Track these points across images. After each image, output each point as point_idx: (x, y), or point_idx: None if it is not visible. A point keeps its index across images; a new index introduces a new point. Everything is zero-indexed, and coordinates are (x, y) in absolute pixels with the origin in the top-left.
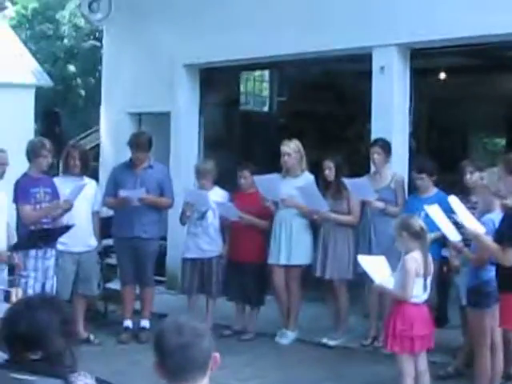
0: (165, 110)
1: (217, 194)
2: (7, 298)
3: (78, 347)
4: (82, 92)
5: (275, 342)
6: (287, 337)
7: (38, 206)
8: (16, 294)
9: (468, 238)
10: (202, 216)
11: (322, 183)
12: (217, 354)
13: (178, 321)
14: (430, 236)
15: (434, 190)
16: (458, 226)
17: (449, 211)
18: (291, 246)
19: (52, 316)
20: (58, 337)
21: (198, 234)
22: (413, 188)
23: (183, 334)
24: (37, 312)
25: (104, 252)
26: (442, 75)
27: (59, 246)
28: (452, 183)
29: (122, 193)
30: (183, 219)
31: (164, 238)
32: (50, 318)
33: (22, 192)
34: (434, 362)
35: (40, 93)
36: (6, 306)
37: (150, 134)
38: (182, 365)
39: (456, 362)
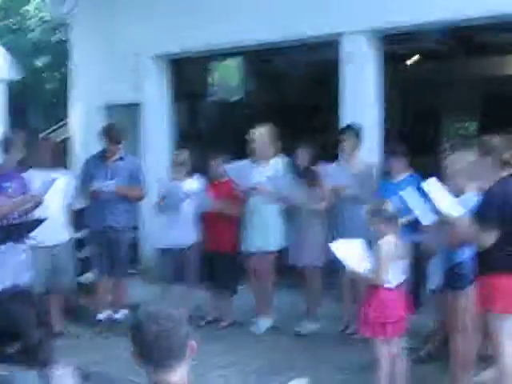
0: (134, 101)
1: (192, 184)
2: None
3: (54, 340)
4: (49, 86)
5: (251, 330)
6: (264, 323)
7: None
8: None
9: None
10: (176, 206)
11: (296, 171)
12: (193, 342)
13: (153, 309)
14: (401, 221)
15: (404, 174)
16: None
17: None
18: (264, 233)
19: (26, 309)
20: (34, 329)
21: (171, 224)
22: (384, 174)
23: (159, 323)
24: (11, 305)
25: (78, 244)
26: (414, 60)
27: (32, 241)
28: (424, 166)
29: (94, 185)
30: (161, 208)
31: (136, 229)
32: (25, 311)
33: None
34: (408, 346)
35: (10, 86)
36: None
37: (121, 126)
38: (160, 353)
39: (428, 346)
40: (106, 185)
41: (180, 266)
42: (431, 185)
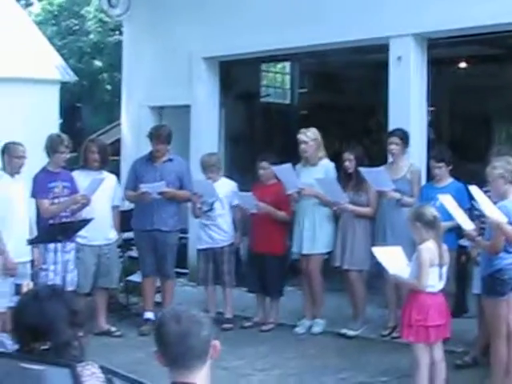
0: (185, 103)
1: (225, 185)
2: (18, 291)
3: (86, 339)
4: (108, 87)
5: (295, 333)
6: (318, 325)
7: (56, 201)
8: (27, 287)
9: (482, 227)
10: (211, 207)
11: (343, 175)
12: (217, 342)
13: (176, 309)
14: (446, 225)
15: (449, 180)
16: (478, 214)
17: (465, 200)
18: (314, 235)
19: (60, 307)
20: (66, 327)
21: (208, 225)
22: (429, 178)
23: (181, 323)
24: (45, 303)
25: (125, 245)
26: (462, 64)
27: (80, 240)
28: (474, 173)
29: (143, 187)
30: (195, 211)
31: (186, 231)
32: (58, 309)
33: (40, 186)
34: (453, 351)
35: (66, 88)
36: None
37: (169, 127)
38: (181, 353)
39: (473, 351)
40: (156, 186)
41: (218, 266)
42: (474, 191)
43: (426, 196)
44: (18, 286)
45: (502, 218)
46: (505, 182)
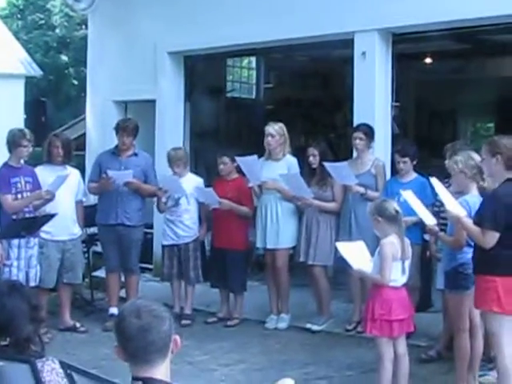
0: (150, 97)
1: (191, 181)
2: None
3: (63, 334)
4: (75, 82)
5: (260, 328)
6: (284, 320)
7: (19, 196)
8: None
9: (443, 223)
10: (176, 203)
11: (307, 170)
12: (177, 337)
13: (136, 304)
14: (411, 219)
15: (413, 175)
16: (439, 210)
17: (429, 196)
18: (279, 230)
19: (20, 302)
20: (27, 323)
21: (173, 221)
22: (394, 172)
23: (141, 317)
24: (5, 298)
25: (90, 240)
26: (427, 60)
27: (43, 235)
28: (439, 168)
29: (110, 172)
30: (160, 206)
31: (151, 226)
32: (18, 304)
33: (2, 181)
34: (418, 345)
35: (32, 83)
36: None
37: (136, 121)
38: (141, 347)
39: (437, 345)
40: (123, 174)
41: (182, 262)
42: (435, 184)
43: (390, 190)
44: None
45: (461, 212)
46: (465, 177)
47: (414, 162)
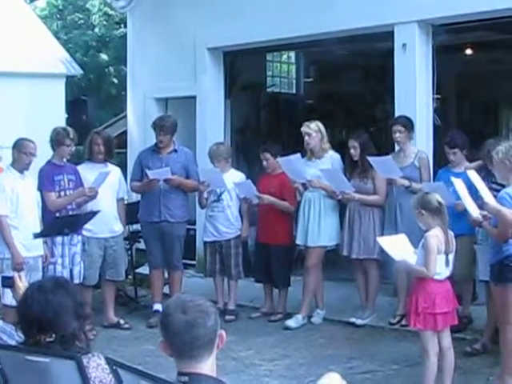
0: (190, 94)
1: (233, 176)
2: (8, 283)
3: (108, 331)
4: (115, 80)
5: (285, 326)
6: (319, 315)
7: (62, 194)
8: (19, 279)
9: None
10: (218, 198)
11: (348, 163)
12: (223, 332)
13: (182, 299)
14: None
15: (465, 164)
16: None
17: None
18: (319, 227)
19: (65, 299)
20: (72, 319)
21: (215, 217)
22: (439, 164)
23: (187, 312)
24: (50, 295)
25: (132, 237)
26: (468, 51)
27: (85, 233)
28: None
29: (150, 174)
30: (202, 201)
31: (194, 223)
32: (63, 301)
33: (46, 179)
34: (464, 338)
35: (72, 82)
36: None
37: (174, 118)
38: (187, 343)
39: (483, 338)
40: (161, 172)
41: (224, 258)
42: (473, 177)
43: (443, 179)
44: (8, 279)
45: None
46: (505, 168)
47: (465, 152)
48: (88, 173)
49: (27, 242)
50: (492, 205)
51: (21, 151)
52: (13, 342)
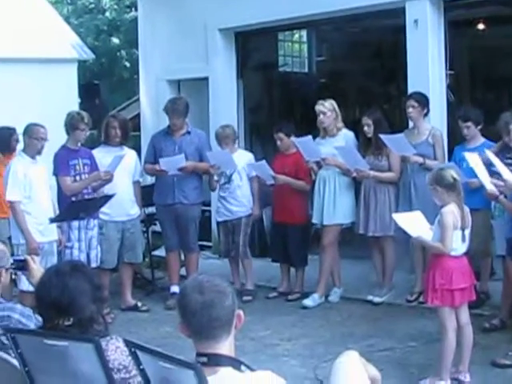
0: (203, 75)
1: (242, 157)
2: (22, 266)
3: (126, 314)
4: (127, 64)
5: (302, 305)
6: (336, 294)
7: (77, 178)
8: (33, 260)
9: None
10: (229, 179)
11: (362, 140)
12: (241, 312)
13: (198, 280)
14: (475, 182)
15: (481, 140)
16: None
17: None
18: (335, 205)
19: (82, 282)
20: (89, 303)
21: (225, 198)
22: (453, 141)
23: (204, 293)
24: (67, 279)
25: (148, 220)
26: (480, 26)
27: (103, 216)
28: (497, 135)
29: (162, 162)
30: (212, 184)
31: (209, 204)
32: (81, 284)
33: (61, 164)
34: (481, 314)
35: (85, 67)
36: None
37: (185, 99)
38: (205, 323)
39: (501, 314)
40: (175, 160)
41: (235, 237)
42: (489, 155)
43: (458, 157)
44: (19, 262)
45: None
46: None
47: (480, 127)
48: (104, 156)
49: (42, 227)
50: (510, 181)
51: (32, 137)
52: (32, 325)
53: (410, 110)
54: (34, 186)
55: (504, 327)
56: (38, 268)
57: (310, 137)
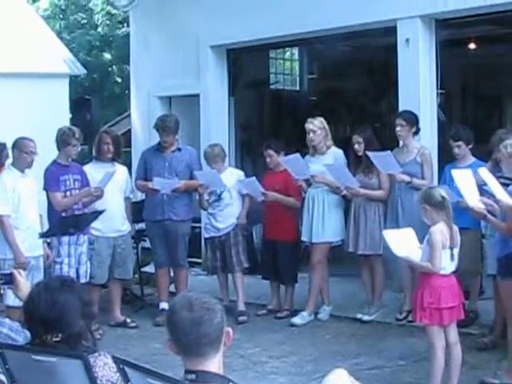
0: (194, 92)
1: (231, 175)
2: (9, 280)
3: (114, 330)
4: (118, 79)
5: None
6: (325, 312)
7: (68, 193)
8: (19, 274)
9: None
10: (219, 197)
11: (353, 158)
12: (229, 329)
13: (187, 297)
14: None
15: (471, 159)
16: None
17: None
18: (324, 223)
19: (71, 298)
20: (78, 319)
21: (214, 214)
22: (443, 160)
23: (193, 310)
24: (57, 294)
25: (138, 236)
26: (472, 45)
27: (94, 232)
28: (488, 154)
29: (156, 182)
30: (202, 204)
31: (199, 220)
32: (69, 300)
33: (51, 179)
34: (470, 333)
35: (76, 82)
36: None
37: (175, 117)
38: (194, 340)
39: (492, 334)
40: (170, 183)
41: (225, 252)
42: (484, 174)
43: (449, 176)
44: (6, 276)
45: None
46: None
47: (470, 146)
48: (96, 172)
49: (28, 242)
50: (505, 202)
51: (22, 150)
52: (20, 339)
53: (399, 128)
54: (22, 200)
55: (495, 347)
56: (24, 282)
57: (297, 154)
